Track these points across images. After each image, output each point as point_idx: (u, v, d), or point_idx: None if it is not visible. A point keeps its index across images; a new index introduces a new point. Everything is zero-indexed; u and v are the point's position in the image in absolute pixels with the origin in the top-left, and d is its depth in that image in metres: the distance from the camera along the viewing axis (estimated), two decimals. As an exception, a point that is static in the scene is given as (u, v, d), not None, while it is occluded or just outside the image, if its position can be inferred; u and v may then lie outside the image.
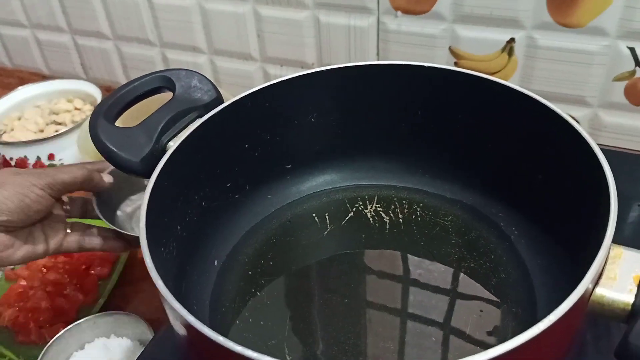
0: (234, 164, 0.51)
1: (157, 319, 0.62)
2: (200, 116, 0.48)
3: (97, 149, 0.45)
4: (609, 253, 0.35)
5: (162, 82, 0.50)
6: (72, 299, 0.64)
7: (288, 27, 0.78)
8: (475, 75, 0.49)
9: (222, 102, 0.50)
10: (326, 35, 0.76)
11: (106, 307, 0.65)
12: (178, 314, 0.32)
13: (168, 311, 0.35)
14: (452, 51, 0.71)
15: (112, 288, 0.65)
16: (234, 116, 0.49)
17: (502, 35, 0.68)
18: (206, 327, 0.31)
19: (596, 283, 0.34)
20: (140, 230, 0.37)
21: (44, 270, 0.67)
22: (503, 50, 0.69)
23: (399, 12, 0.71)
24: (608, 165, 0.38)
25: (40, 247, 0.52)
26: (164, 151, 0.46)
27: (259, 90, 0.50)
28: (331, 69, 0.51)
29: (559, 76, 0.68)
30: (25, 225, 0.50)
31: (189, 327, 0.32)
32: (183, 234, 0.46)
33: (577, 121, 0.68)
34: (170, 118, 0.47)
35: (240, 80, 0.87)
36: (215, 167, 0.50)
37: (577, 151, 0.41)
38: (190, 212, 0.48)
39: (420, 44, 0.72)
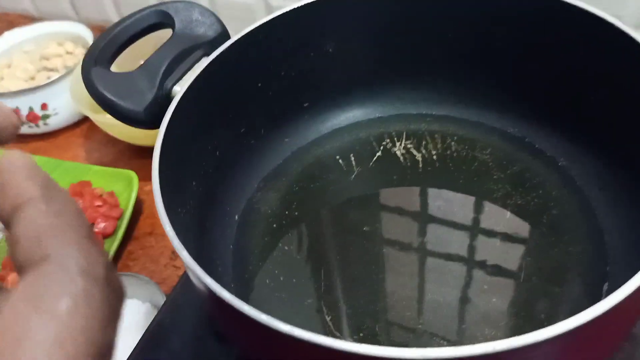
0: (247, 106, 0.46)
1: (167, 277, 0.60)
2: (206, 54, 0.42)
3: (94, 99, 0.39)
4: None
5: (159, 17, 0.43)
6: (77, 259, 0.60)
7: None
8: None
9: (228, 36, 0.44)
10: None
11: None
12: (210, 289, 0.28)
13: (194, 280, 0.31)
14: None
15: (118, 245, 0.62)
16: (243, 52, 0.43)
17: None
18: (246, 305, 0.26)
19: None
20: (155, 194, 0.32)
21: (48, 230, 0.63)
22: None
23: None
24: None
25: None
26: (169, 97, 0.41)
27: (269, 21, 0.44)
28: (347, -9, 0.45)
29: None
30: None
31: (223, 303, 0.27)
32: (199, 189, 0.42)
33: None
34: (173, 59, 0.41)
35: (240, 13, 0.79)
36: (227, 112, 0.44)
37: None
38: (205, 164, 0.43)
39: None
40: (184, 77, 0.41)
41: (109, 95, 0.39)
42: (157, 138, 0.36)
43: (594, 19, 0.39)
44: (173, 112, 0.38)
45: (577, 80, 0.43)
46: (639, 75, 0.37)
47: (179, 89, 0.40)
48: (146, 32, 0.44)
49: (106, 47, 0.42)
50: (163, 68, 0.41)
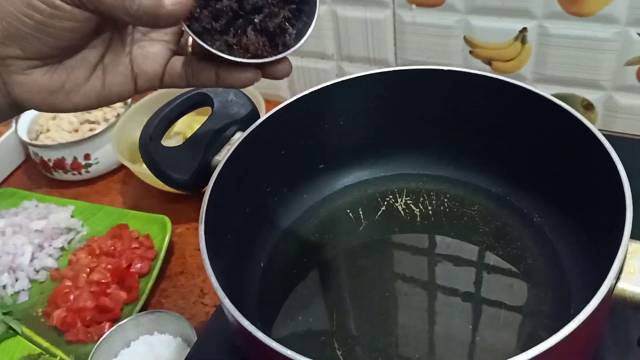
0: (272, 170, 0.55)
1: (197, 313, 0.67)
2: (241, 129, 0.52)
3: (150, 169, 0.49)
4: (627, 249, 0.38)
5: (200, 98, 0.53)
6: (116, 298, 0.67)
7: (307, 19, 0.81)
8: (494, 78, 0.52)
9: (258, 114, 0.53)
10: (344, 27, 0.79)
11: (147, 303, 0.69)
12: (246, 329, 0.36)
13: (232, 322, 0.39)
14: (467, 40, 0.73)
15: (153, 284, 0.69)
16: (271, 127, 0.52)
17: (514, 25, 0.70)
18: (274, 342, 0.35)
19: (618, 278, 0.38)
20: (202, 252, 0.41)
21: (88, 270, 0.70)
22: (516, 39, 0.71)
23: (414, 5, 0.73)
24: (624, 170, 0.41)
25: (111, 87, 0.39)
26: (210, 166, 0.50)
27: (293, 101, 0.53)
28: (357, 77, 0.54)
29: (572, 62, 0.70)
30: (60, 54, 0.34)
31: (256, 341, 0.36)
32: (232, 241, 0.50)
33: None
34: (213, 134, 0.51)
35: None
36: (256, 176, 0.53)
37: (594, 152, 0.45)
38: (237, 220, 0.52)
39: (436, 35, 0.74)
40: (222, 150, 0.50)
41: (162, 167, 0.48)
42: (202, 203, 0.45)
43: (557, 108, 0.48)
44: (215, 180, 0.47)
45: (546, 155, 0.51)
46: (592, 156, 0.45)
47: (219, 159, 0.49)
48: (189, 110, 0.53)
49: (159, 124, 0.51)
50: (206, 142, 0.50)
